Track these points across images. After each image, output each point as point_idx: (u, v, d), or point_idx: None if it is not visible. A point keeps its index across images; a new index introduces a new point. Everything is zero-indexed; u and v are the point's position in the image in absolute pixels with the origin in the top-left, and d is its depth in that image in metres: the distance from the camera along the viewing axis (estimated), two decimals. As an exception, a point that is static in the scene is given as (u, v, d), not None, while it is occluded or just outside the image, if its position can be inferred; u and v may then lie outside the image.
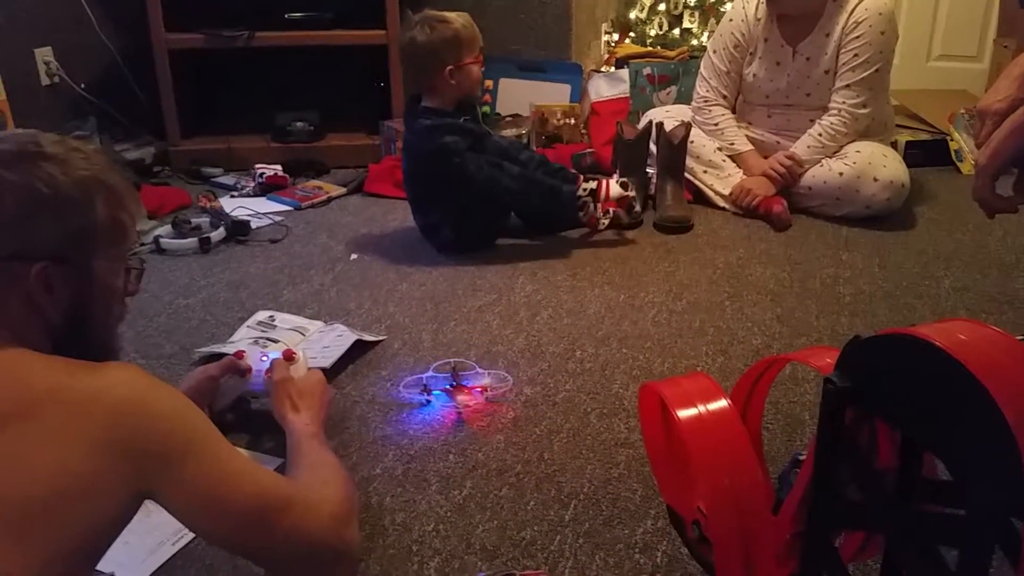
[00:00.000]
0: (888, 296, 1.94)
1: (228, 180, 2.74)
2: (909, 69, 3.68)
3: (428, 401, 1.51)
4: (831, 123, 2.41)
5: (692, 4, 3.31)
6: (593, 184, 2.21)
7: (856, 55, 2.36)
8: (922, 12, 3.72)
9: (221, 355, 1.53)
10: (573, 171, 2.39)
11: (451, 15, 2.12)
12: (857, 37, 2.36)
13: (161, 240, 2.21)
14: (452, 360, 1.59)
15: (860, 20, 2.35)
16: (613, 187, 2.22)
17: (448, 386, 1.52)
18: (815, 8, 2.40)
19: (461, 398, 1.51)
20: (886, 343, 0.79)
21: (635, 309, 1.88)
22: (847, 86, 2.39)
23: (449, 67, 2.08)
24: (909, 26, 3.72)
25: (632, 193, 2.28)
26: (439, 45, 2.07)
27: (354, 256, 2.18)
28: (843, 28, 2.38)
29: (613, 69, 3.28)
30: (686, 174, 2.52)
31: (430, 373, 1.55)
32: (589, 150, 2.90)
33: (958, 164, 2.94)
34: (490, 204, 2.16)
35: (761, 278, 2.04)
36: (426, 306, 1.90)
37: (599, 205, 2.22)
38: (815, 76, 2.45)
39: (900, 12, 3.71)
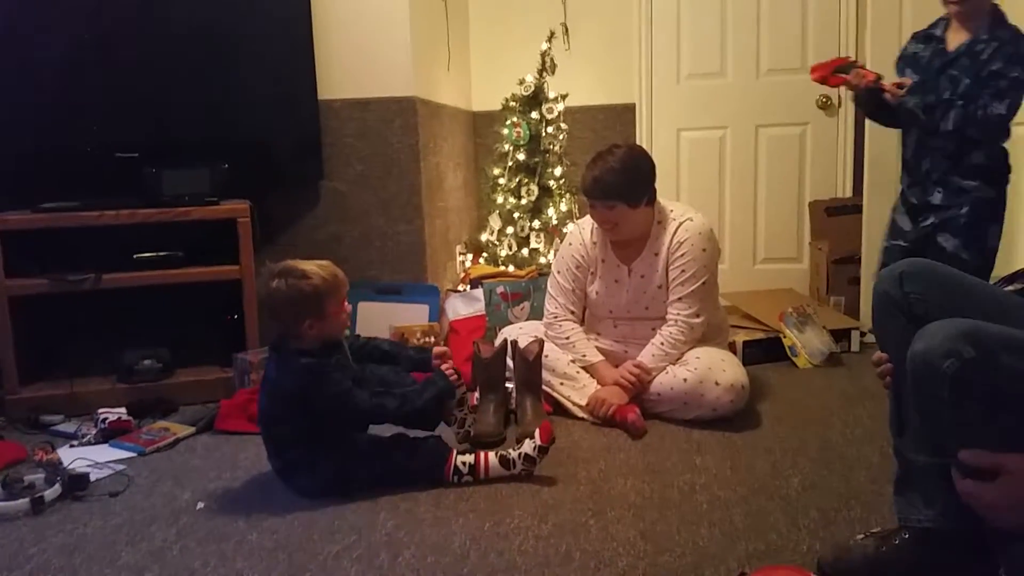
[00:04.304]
0: (743, 500, 1.98)
1: (69, 428, 2.58)
2: (739, 273, 4.02)
3: None
4: (670, 332, 2.57)
5: (537, 227, 3.54)
6: (471, 459, 2.12)
7: (683, 271, 2.57)
8: (744, 223, 4.13)
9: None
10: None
11: (311, 267, 2.06)
12: (682, 255, 2.57)
13: (-13, 504, 2.03)
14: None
15: (682, 240, 2.58)
16: (492, 458, 2.13)
17: None
18: (643, 232, 2.62)
19: None
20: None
21: (501, 537, 1.84)
22: (679, 299, 2.58)
23: (308, 320, 2.05)
24: (734, 235, 4.11)
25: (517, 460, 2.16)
26: (298, 300, 2.03)
27: (201, 505, 2.05)
28: (668, 248, 2.59)
29: (468, 288, 3.42)
30: (544, 387, 2.59)
31: None
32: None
33: (793, 359, 3.16)
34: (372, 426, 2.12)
35: (622, 491, 2.06)
36: (278, 557, 1.79)
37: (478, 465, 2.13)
38: (650, 291, 2.63)
39: (724, 224, 4.11)
